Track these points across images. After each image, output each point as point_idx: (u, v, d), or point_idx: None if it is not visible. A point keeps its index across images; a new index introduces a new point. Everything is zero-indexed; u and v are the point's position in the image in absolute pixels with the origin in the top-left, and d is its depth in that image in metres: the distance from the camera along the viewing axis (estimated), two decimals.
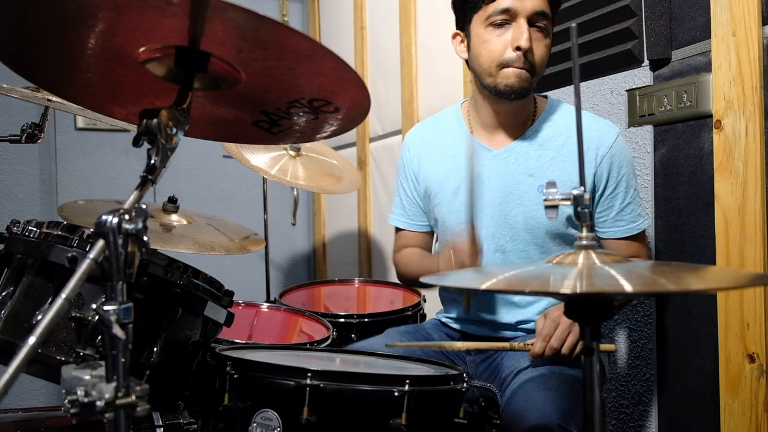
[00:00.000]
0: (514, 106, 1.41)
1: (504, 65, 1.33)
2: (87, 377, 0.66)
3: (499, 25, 1.32)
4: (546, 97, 1.50)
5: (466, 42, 1.42)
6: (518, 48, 1.30)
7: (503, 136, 1.45)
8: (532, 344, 1.28)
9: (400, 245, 1.64)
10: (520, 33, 1.30)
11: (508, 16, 1.31)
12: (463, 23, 1.42)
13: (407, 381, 0.99)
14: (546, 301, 1.44)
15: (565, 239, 1.43)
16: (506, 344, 1.32)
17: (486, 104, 1.44)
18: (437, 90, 2.45)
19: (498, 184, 1.43)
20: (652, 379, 1.61)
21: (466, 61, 1.44)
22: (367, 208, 2.97)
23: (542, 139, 1.42)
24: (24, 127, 1.67)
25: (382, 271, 2.87)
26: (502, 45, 1.32)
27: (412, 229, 1.60)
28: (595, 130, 1.38)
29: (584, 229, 0.77)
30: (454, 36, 1.45)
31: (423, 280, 0.78)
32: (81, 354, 0.98)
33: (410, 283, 1.65)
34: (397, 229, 1.65)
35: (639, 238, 1.43)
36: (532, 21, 1.31)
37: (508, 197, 1.42)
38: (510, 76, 1.32)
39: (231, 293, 1.23)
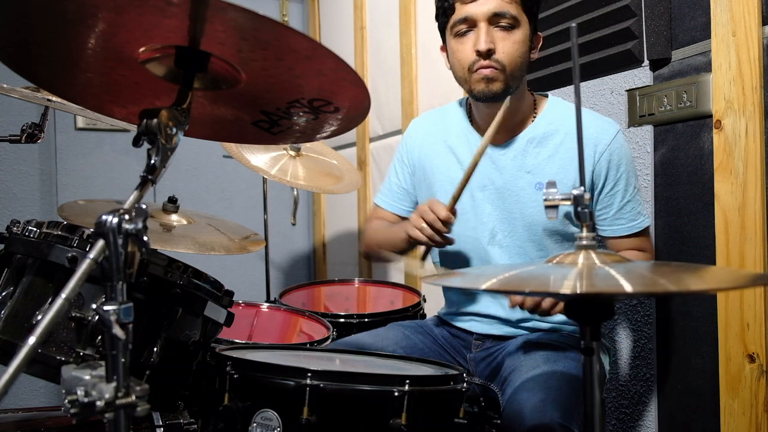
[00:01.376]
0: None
1: (471, 69, 1.37)
2: (87, 377, 0.66)
3: (463, 33, 1.37)
4: (546, 95, 1.51)
5: (446, 55, 1.47)
6: (478, 52, 1.34)
7: (502, 133, 1.47)
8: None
9: (374, 217, 1.69)
10: (477, 37, 1.34)
11: (469, 25, 1.36)
12: (443, 38, 1.47)
13: (407, 381, 0.99)
14: None
15: (562, 236, 1.44)
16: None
17: (477, 108, 1.49)
18: (437, 90, 2.45)
19: (496, 179, 1.45)
20: (652, 379, 1.61)
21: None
22: (367, 208, 2.96)
23: (541, 137, 1.44)
24: (24, 127, 1.67)
25: (382, 271, 2.86)
26: (468, 51, 1.37)
27: (392, 210, 1.65)
28: (594, 127, 1.39)
29: (584, 229, 0.77)
30: (442, 50, 1.50)
31: (423, 280, 0.78)
32: (81, 354, 0.98)
33: (372, 251, 1.65)
34: (377, 206, 1.69)
35: (642, 235, 1.44)
36: (493, 22, 1.34)
37: (506, 193, 1.44)
38: (479, 81, 1.36)
39: (231, 293, 1.23)
